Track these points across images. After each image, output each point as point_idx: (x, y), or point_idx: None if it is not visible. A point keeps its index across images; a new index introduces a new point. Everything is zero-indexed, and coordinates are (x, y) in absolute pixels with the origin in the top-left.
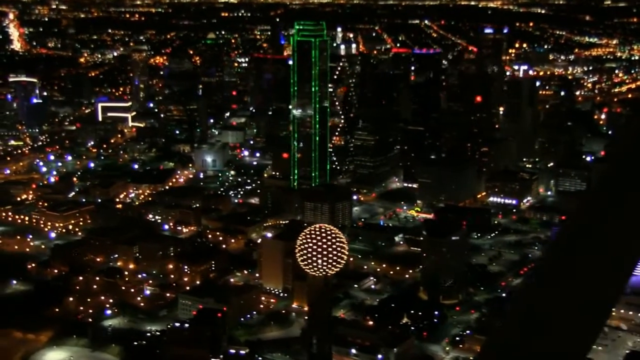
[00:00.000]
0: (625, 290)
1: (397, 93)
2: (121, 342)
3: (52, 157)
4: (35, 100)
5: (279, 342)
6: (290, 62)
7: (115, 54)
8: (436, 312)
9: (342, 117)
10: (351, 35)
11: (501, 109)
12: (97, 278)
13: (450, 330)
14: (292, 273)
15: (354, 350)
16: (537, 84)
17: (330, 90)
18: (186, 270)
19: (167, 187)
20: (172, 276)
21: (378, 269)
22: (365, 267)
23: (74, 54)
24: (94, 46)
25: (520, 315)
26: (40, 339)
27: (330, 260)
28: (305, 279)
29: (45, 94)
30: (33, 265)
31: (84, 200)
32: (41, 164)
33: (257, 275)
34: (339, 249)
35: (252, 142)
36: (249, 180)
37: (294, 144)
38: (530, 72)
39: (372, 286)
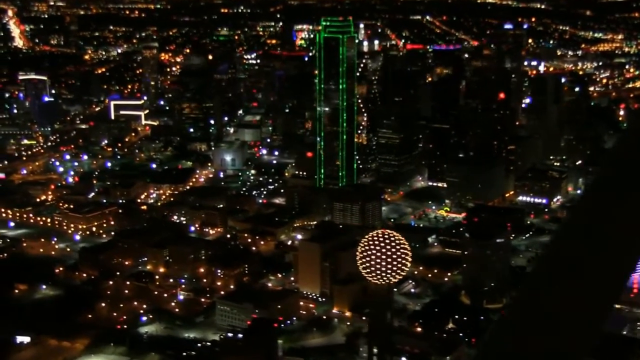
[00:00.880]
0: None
1: (415, 90)
2: (159, 349)
3: (67, 157)
4: (46, 99)
5: (323, 350)
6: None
7: (119, 50)
8: (481, 317)
9: (365, 114)
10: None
11: (522, 105)
12: (128, 282)
13: None
14: (329, 277)
15: (404, 359)
16: (563, 80)
17: None
18: (219, 274)
19: (188, 187)
20: (205, 280)
21: (415, 272)
22: None
23: (77, 51)
24: (97, 43)
25: (520, 315)
26: (76, 347)
27: (393, 268)
28: (344, 283)
29: (53, 91)
30: (61, 269)
31: (104, 201)
32: (57, 163)
33: (292, 279)
34: (402, 255)
35: (269, 140)
36: (270, 180)
37: (320, 142)
38: (541, 68)
39: (412, 290)
